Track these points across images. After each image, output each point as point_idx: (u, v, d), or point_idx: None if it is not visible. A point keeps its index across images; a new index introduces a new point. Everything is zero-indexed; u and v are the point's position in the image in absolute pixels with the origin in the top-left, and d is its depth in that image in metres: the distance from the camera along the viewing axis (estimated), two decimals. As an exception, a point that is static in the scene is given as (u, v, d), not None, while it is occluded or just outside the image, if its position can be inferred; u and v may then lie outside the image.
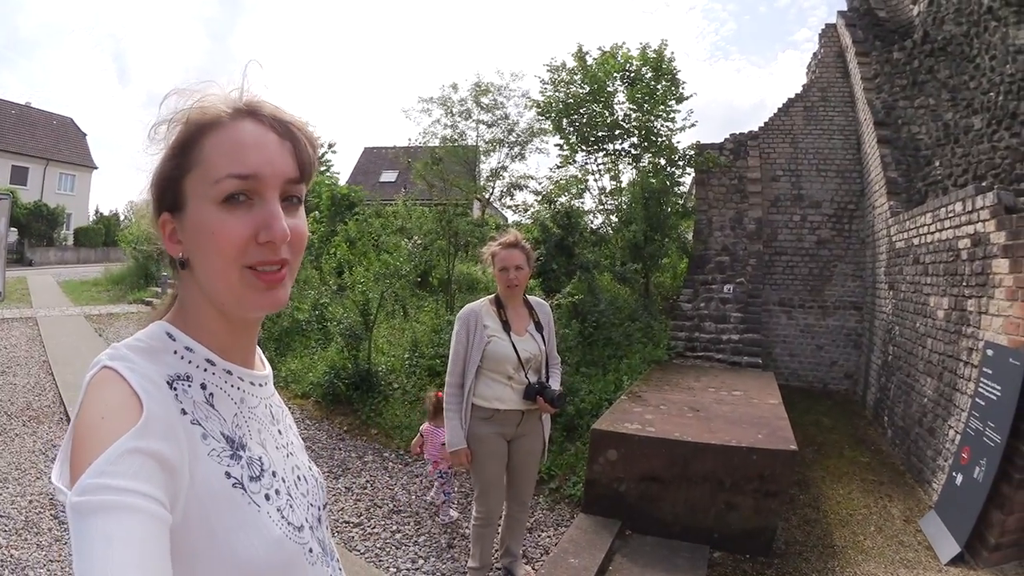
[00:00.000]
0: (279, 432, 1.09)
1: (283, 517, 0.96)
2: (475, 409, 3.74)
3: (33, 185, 38.56)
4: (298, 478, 1.08)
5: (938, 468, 5.76)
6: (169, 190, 0.94)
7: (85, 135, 44.53)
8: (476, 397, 3.74)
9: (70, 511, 0.70)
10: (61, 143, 41.84)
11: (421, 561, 4.50)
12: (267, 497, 0.95)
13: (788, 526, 5.18)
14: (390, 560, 4.49)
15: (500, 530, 4.18)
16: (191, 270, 0.95)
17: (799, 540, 4.96)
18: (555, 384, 3.86)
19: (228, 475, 0.90)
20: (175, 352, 0.93)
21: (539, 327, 3.85)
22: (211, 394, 0.95)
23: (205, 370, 0.96)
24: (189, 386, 0.91)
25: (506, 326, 3.74)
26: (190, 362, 0.94)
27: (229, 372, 1.00)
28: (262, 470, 0.97)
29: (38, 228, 33.62)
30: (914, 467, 6.45)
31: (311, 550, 1.02)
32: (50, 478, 0.83)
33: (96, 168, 43.89)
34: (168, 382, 0.88)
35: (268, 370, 1.16)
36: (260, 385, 1.08)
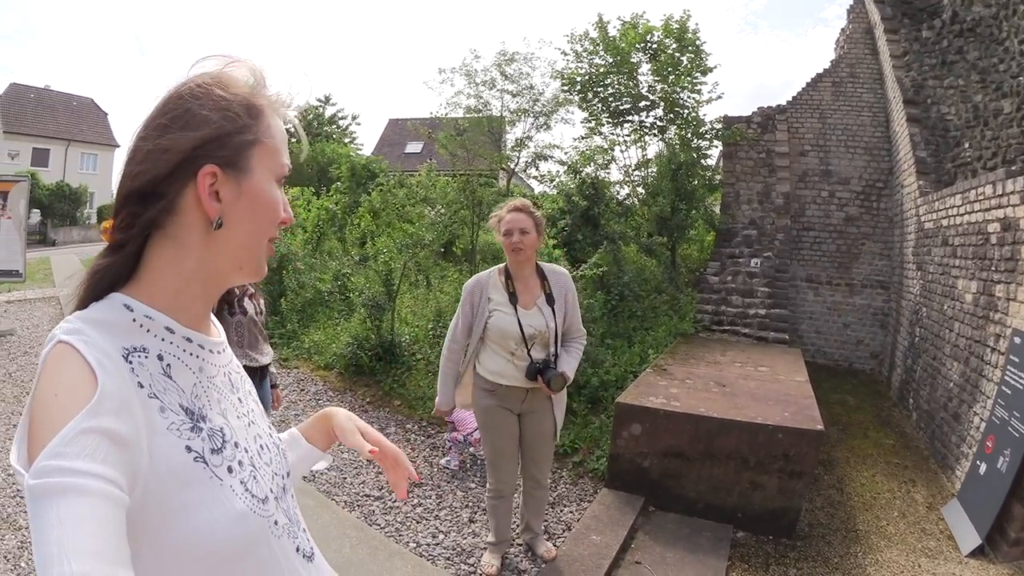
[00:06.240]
0: (239, 400, 1.08)
1: (247, 489, 0.95)
2: (478, 379, 3.69)
3: (55, 166, 38.95)
4: (261, 447, 1.06)
5: (962, 455, 5.68)
6: (230, 147, 0.93)
7: (106, 114, 44.64)
8: (480, 367, 3.67)
9: (27, 494, 0.69)
10: (82, 123, 42.15)
11: (441, 536, 4.48)
12: (230, 470, 0.93)
13: (812, 508, 5.14)
14: (410, 535, 4.48)
15: (520, 506, 4.18)
16: (213, 234, 0.94)
17: (822, 523, 4.93)
18: (568, 363, 3.63)
19: (188, 449, 0.88)
20: (133, 321, 0.91)
21: (551, 299, 3.61)
22: (168, 365, 0.92)
23: (163, 340, 0.93)
24: (145, 358, 0.89)
25: (512, 298, 3.57)
26: (148, 331, 0.91)
27: (189, 340, 0.98)
28: (224, 441, 0.95)
29: (61, 208, 33.84)
30: (938, 452, 6.38)
31: (276, 522, 1.01)
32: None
33: (119, 146, 43.73)
34: (123, 355, 0.86)
35: (223, 336, 1.13)
36: (218, 352, 1.06)
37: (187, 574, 0.86)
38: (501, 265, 3.72)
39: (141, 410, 0.82)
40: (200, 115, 0.91)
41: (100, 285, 0.92)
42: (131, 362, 0.86)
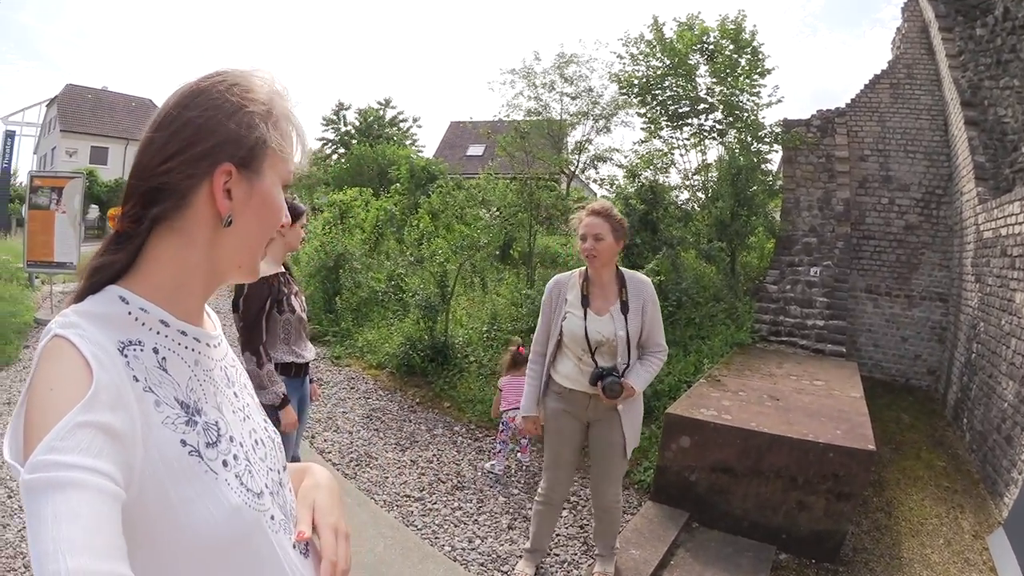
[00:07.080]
0: (235, 395, 1.07)
1: (242, 484, 0.94)
2: (550, 382, 3.67)
3: (114, 164, 40.89)
4: (256, 442, 1.06)
5: (1011, 481, 5.46)
6: (247, 149, 0.96)
7: (164, 114, 46.72)
8: (553, 370, 3.65)
9: (23, 489, 0.69)
10: (140, 123, 43.55)
11: (478, 541, 4.49)
12: (224, 463, 0.93)
13: (858, 531, 5.04)
14: (447, 538, 4.50)
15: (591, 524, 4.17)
16: (220, 231, 0.97)
17: (867, 548, 4.83)
18: (637, 374, 3.49)
19: (184, 443, 0.88)
20: (129, 314, 0.90)
21: (625, 307, 3.48)
22: (164, 358, 0.92)
23: (158, 333, 0.93)
24: (141, 351, 0.88)
25: (584, 301, 3.51)
26: (143, 324, 0.91)
27: (184, 333, 0.98)
28: (219, 435, 0.95)
29: (119, 204, 35.32)
30: (988, 477, 6.16)
31: (272, 517, 1.00)
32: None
33: (178, 147, 46.10)
34: (119, 349, 0.85)
35: (219, 330, 1.13)
36: (214, 346, 1.06)
37: (183, 568, 0.86)
38: (583, 267, 3.65)
39: (136, 404, 0.82)
40: (222, 115, 0.94)
41: (100, 281, 0.92)
42: (127, 356, 0.86)
